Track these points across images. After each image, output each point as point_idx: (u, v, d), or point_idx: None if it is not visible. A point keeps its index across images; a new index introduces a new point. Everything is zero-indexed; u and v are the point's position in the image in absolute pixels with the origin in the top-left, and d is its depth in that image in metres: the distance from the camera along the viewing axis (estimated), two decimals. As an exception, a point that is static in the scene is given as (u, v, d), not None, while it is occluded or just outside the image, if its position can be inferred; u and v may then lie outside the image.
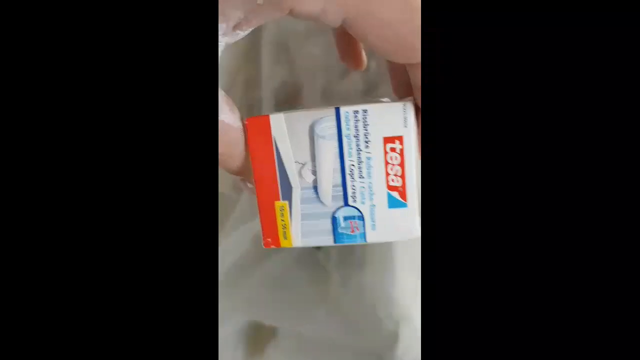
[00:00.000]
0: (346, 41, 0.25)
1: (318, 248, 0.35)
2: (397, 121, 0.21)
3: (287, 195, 0.22)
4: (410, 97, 0.21)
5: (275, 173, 0.22)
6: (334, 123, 0.21)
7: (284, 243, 0.22)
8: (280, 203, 0.22)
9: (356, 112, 0.21)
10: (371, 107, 0.21)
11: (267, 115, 0.21)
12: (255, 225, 0.33)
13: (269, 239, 0.22)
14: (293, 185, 0.22)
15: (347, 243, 0.22)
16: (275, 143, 0.21)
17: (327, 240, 0.22)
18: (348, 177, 0.22)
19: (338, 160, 0.21)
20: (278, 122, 0.21)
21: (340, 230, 0.22)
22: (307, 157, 0.22)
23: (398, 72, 0.25)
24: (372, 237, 0.22)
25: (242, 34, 0.19)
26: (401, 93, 0.26)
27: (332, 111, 0.21)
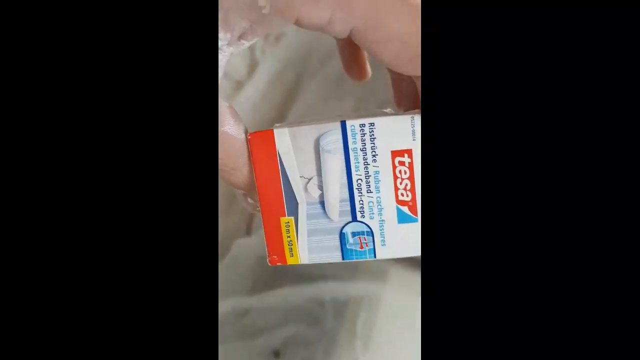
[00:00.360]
0: (350, 51, 0.25)
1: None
2: (405, 134, 0.20)
3: (293, 210, 0.21)
4: (417, 110, 0.21)
5: (281, 188, 0.21)
6: (339, 137, 0.21)
7: (290, 260, 0.22)
8: (286, 219, 0.21)
9: (362, 125, 0.20)
10: (378, 120, 0.20)
11: (271, 130, 0.21)
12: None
13: (275, 256, 0.22)
14: (299, 200, 0.21)
15: (356, 259, 0.22)
16: (280, 158, 0.21)
17: (335, 256, 0.22)
18: (356, 192, 0.21)
19: (345, 174, 0.21)
20: (282, 137, 0.21)
21: (348, 247, 0.21)
22: (313, 172, 0.21)
23: (402, 84, 0.24)
24: (381, 253, 0.21)
25: (247, 44, 0.19)
26: (405, 106, 0.25)
27: (338, 125, 0.21)
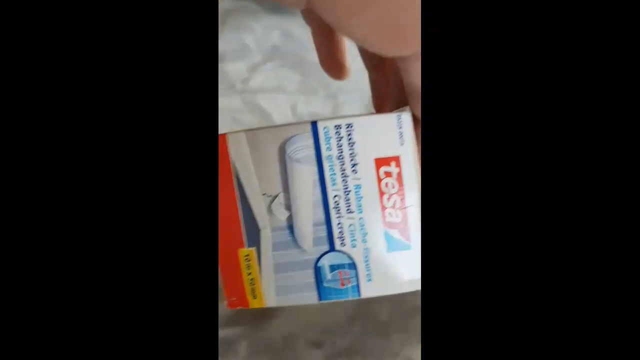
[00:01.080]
0: (327, 45, 0.21)
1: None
2: (391, 137, 0.16)
3: (254, 239, 0.17)
4: (406, 107, 0.17)
5: (237, 211, 0.17)
6: (310, 142, 0.16)
7: (253, 303, 0.17)
8: (246, 251, 0.17)
9: (338, 126, 0.16)
10: (357, 121, 0.16)
11: (224, 135, 0.17)
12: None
13: (234, 298, 0.17)
14: (261, 225, 0.17)
15: (335, 299, 0.17)
16: (236, 171, 0.17)
17: (309, 297, 0.17)
18: (333, 213, 0.16)
19: (319, 190, 0.16)
20: (238, 143, 0.16)
21: (326, 284, 0.17)
22: (278, 188, 0.17)
23: (381, 83, 0.21)
24: (367, 290, 0.17)
25: None
26: (385, 108, 0.21)
27: (308, 126, 0.16)
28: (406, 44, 0.14)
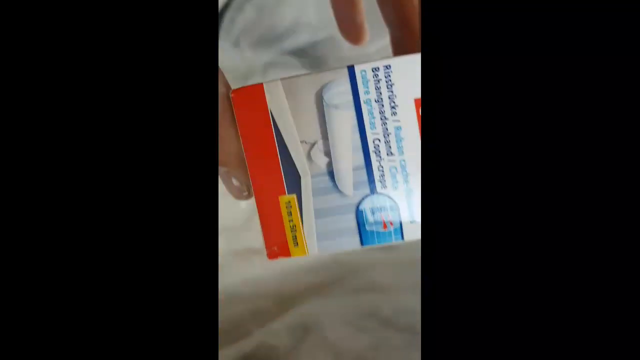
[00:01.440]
0: (346, 8, 0.21)
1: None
2: None
3: (295, 186, 0.17)
4: None
5: (277, 159, 0.17)
6: (348, 87, 0.16)
7: (295, 252, 0.17)
8: (287, 197, 0.17)
9: (376, 69, 0.16)
10: (395, 62, 0.16)
11: (261, 84, 0.16)
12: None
13: (275, 248, 0.17)
14: (301, 172, 0.17)
15: (379, 244, 0.17)
16: (274, 119, 0.16)
17: (351, 242, 0.17)
18: (373, 156, 0.17)
19: (357, 134, 0.16)
20: (275, 92, 0.16)
21: (368, 228, 0.17)
22: (316, 135, 0.17)
23: (403, 38, 0.21)
24: (411, 232, 0.17)
25: None
26: (396, 40, 0.21)
27: (345, 72, 0.16)
28: None
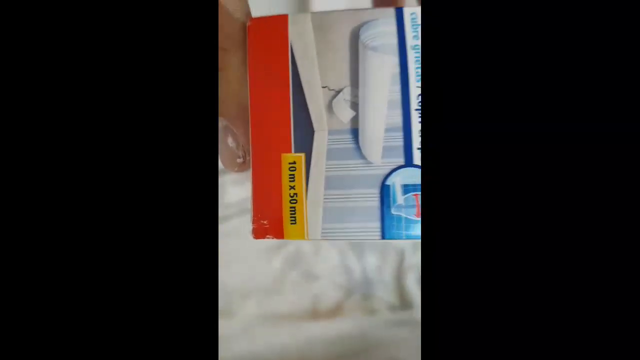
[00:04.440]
0: None
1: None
2: None
3: (305, 143, 0.13)
4: None
5: (288, 106, 0.13)
6: (393, 28, 0.13)
7: (289, 232, 0.13)
8: (292, 156, 0.13)
9: (431, 12, 0.13)
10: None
11: (286, 15, 0.13)
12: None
13: (265, 222, 0.13)
14: (316, 126, 0.13)
15: (405, 239, 0.12)
16: (293, 57, 0.13)
17: (369, 230, 0.12)
18: (414, 116, 0.13)
19: (399, 86, 0.13)
20: (301, 24, 0.13)
21: (395, 212, 0.12)
22: (344, 81, 0.13)
23: None
24: (454, 226, 0.12)
25: None
26: None
27: (391, 12, 0.13)
28: None
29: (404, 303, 0.84)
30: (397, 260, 0.88)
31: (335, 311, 0.77)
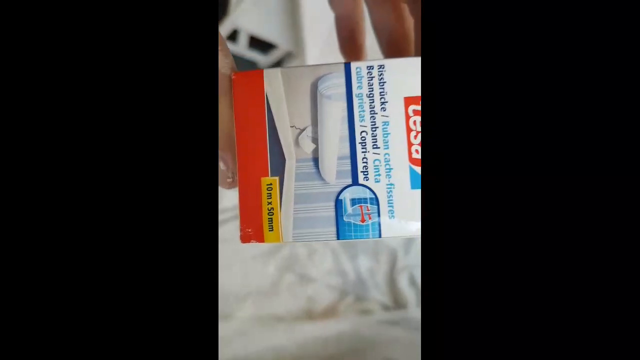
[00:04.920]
0: (348, 29, 0.23)
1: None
2: (420, 78, 0.17)
3: (278, 169, 0.17)
4: None
5: (265, 140, 0.18)
6: (342, 80, 0.17)
7: (269, 237, 0.17)
8: (269, 179, 0.17)
9: (370, 67, 0.17)
10: (389, 62, 0.17)
11: (262, 70, 0.18)
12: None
13: (250, 230, 0.17)
14: (287, 156, 0.17)
15: (355, 238, 0.17)
16: (268, 103, 0.18)
17: (327, 233, 0.17)
18: (359, 147, 0.17)
19: (346, 125, 0.17)
20: (273, 78, 0.18)
21: (346, 219, 0.17)
22: (307, 121, 0.17)
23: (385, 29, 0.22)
24: (389, 229, 0.17)
25: None
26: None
27: (341, 67, 0.18)
28: None
29: (397, 303, 0.88)
30: (390, 262, 0.92)
31: (330, 312, 0.81)
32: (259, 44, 0.99)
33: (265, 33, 0.88)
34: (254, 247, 0.73)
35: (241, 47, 1.01)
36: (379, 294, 0.81)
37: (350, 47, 0.23)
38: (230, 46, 0.99)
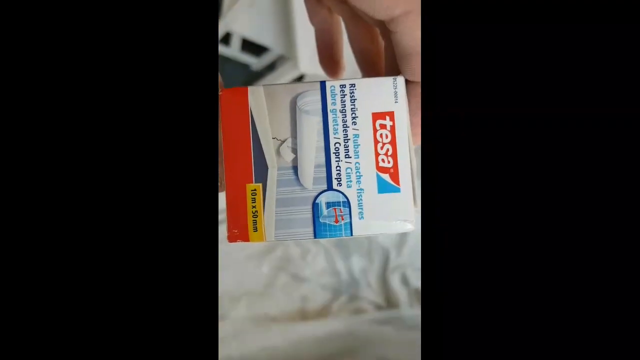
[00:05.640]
0: (327, 42, 0.25)
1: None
2: (387, 96, 0.20)
3: (262, 176, 0.20)
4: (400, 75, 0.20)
5: (250, 150, 0.20)
6: (318, 97, 0.20)
7: (253, 237, 0.20)
8: (253, 186, 0.20)
9: (343, 86, 0.20)
10: (359, 82, 0.20)
11: (246, 87, 0.20)
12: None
13: (236, 230, 0.20)
14: (269, 164, 0.20)
15: (330, 237, 0.19)
16: (252, 117, 0.20)
17: (305, 233, 0.19)
18: (333, 157, 0.20)
19: (322, 137, 0.20)
20: (257, 95, 0.20)
21: (322, 220, 0.19)
22: (287, 134, 0.20)
23: (365, 54, 0.24)
24: (359, 228, 0.19)
25: None
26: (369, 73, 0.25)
27: (317, 85, 0.20)
28: (398, 2, 0.18)
29: (389, 303, 0.90)
30: (382, 262, 0.94)
31: (323, 312, 0.83)
32: (252, 47, 1.02)
33: (258, 36, 0.90)
34: (247, 248, 0.76)
35: (234, 50, 1.04)
36: (371, 294, 0.84)
37: (329, 61, 0.26)
38: (223, 49, 1.01)
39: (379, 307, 0.83)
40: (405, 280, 0.86)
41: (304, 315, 0.71)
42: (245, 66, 1.09)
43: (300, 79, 0.90)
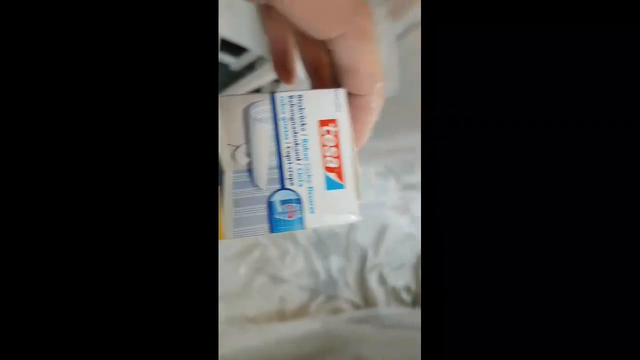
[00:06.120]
0: (279, 52, 0.28)
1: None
2: (330, 106, 0.22)
3: (219, 179, 0.22)
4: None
5: None
6: (269, 107, 0.22)
7: None
8: None
9: (291, 97, 0.22)
10: (306, 93, 0.23)
11: None
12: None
13: None
14: (225, 168, 0.22)
15: (284, 231, 0.22)
16: None
17: (262, 229, 0.22)
18: (284, 160, 0.22)
19: (274, 142, 0.22)
20: (214, 106, 0.23)
21: (276, 216, 0.22)
22: (241, 140, 0.22)
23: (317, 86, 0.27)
24: (310, 221, 0.22)
25: None
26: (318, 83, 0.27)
27: (267, 96, 0.23)
28: (333, 27, 0.21)
29: (367, 302, 0.92)
30: (360, 261, 0.97)
31: (301, 312, 0.85)
32: (231, 47, 1.03)
33: (237, 37, 0.91)
34: (224, 249, 0.77)
35: (210, 53, 1.04)
36: (349, 293, 0.87)
37: (282, 70, 0.28)
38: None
39: (356, 306, 0.85)
40: (382, 280, 0.89)
41: (282, 316, 0.73)
42: (224, 66, 1.10)
43: (278, 80, 0.91)
